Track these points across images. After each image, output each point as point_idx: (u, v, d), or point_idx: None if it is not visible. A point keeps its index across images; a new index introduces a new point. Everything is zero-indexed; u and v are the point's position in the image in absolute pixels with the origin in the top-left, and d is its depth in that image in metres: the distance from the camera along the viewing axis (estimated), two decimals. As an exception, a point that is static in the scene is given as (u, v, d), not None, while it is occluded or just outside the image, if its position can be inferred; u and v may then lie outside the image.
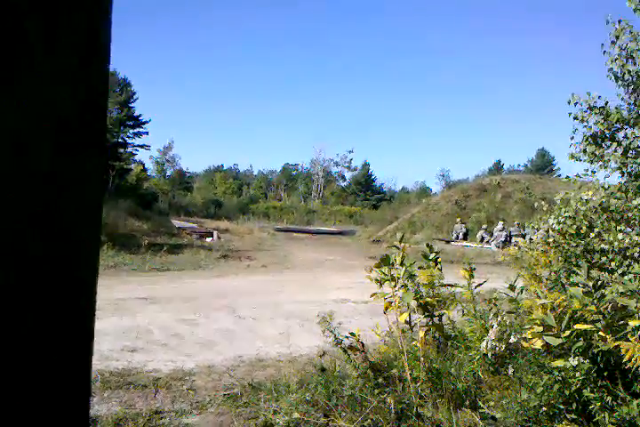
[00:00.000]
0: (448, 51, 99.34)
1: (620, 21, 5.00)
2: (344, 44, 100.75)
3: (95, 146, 0.55)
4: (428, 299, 4.15)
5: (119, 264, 12.30)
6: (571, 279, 4.02)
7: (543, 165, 58.39)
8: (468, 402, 3.51)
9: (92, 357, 0.56)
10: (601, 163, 5.07)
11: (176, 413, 3.86)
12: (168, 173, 57.27)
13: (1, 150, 0.48)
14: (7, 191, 0.48)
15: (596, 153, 5.05)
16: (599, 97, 5.10)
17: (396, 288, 3.99)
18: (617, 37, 5.00)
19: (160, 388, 4.34)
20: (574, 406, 3.00)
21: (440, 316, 4.23)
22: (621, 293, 3.30)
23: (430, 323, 4.18)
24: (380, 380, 3.79)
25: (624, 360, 2.89)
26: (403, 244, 4.21)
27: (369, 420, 3.35)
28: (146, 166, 42.26)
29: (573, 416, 2.98)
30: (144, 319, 6.85)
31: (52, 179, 0.51)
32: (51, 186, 0.51)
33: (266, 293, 9.75)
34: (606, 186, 5.15)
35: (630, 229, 4.64)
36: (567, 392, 3.00)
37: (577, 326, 3.15)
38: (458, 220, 24.52)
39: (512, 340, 3.63)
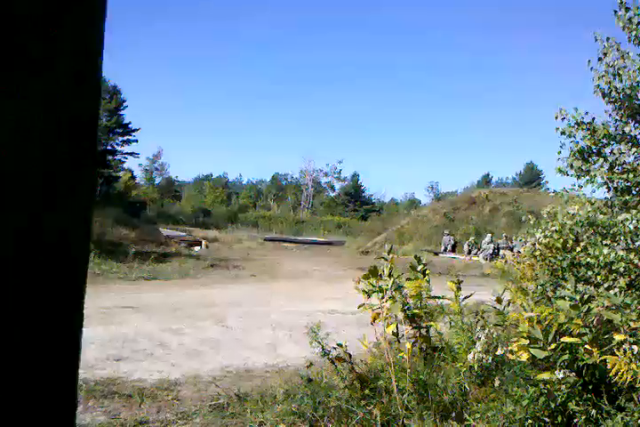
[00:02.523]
0: (441, 63, 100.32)
1: (608, 38, 5.09)
2: (335, 54, 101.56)
3: (87, 159, 0.55)
4: (416, 310, 4.16)
5: (106, 272, 12.17)
6: (557, 293, 4.05)
7: (531, 178, 58.91)
8: (454, 414, 3.51)
9: (78, 365, 0.57)
10: (587, 178, 5.13)
11: (161, 423, 3.82)
12: (157, 181, 57.13)
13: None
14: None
15: (583, 168, 5.11)
16: (586, 113, 5.17)
17: (384, 299, 3.99)
18: (604, 54, 5.08)
19: (145, 398, 4.29)
20: (559, 418, 3.02)
21: (427, 327, 4.24)
22: (607, 307, 3.33)
23: (417, 335, 4.19)
24: (367, 391, 3.78)
25: (610, 374, 2.92)
26: (391, 255, 4.22)
27: (355, 432, 3.34)
28: (134, 174, 42.20)
29: (558, 429, 2.99)
30: (130, 328, 6.78)
31: (45, 189, 0.52)
32: (43, 196, 0.52)
33: (253, 302, 9.70)
34: (592, 201, 5.21)
35: (616, 244, 4.69)
36: (552, 405, 3.02)
37: (563, 340, 3.17)
38: (446, 231, 24.63)
39: (498, 352, 3.64)
